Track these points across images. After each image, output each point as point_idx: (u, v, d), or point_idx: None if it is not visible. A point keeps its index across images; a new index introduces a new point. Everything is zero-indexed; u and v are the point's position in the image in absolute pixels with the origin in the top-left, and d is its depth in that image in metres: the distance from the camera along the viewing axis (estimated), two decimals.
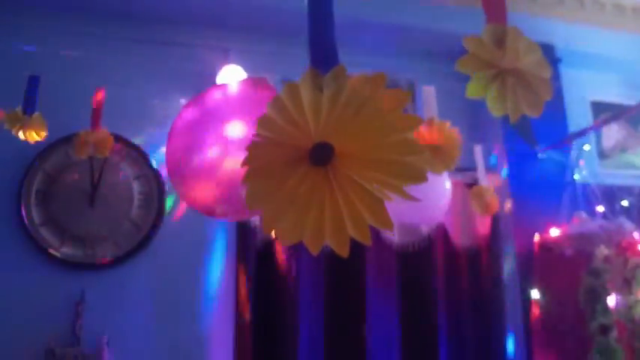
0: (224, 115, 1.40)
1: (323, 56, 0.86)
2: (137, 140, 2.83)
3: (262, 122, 0.85)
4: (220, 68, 2.90)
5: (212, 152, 1.32)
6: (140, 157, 2.79)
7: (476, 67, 0.94)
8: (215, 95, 1.49)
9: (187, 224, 2.71)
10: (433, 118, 1.81)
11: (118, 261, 2.67)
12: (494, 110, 0.93)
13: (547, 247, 3.01)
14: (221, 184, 1.28)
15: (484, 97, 0.94)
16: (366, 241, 0.76)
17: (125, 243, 2.69)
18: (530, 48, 1.01)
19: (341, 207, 0.76)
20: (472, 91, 0.94)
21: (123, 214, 2.70)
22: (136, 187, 2.76)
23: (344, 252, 0.77)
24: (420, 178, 0.75)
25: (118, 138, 2.68)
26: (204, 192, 1.34)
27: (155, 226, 2.73)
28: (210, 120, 1.40)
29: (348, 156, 0.78)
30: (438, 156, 1.76)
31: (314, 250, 0.80)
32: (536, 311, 3.00)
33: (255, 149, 0.84)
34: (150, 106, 2.73)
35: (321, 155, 0.78)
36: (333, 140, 0.78)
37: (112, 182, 2.71)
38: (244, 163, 0.84)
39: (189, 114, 1.47)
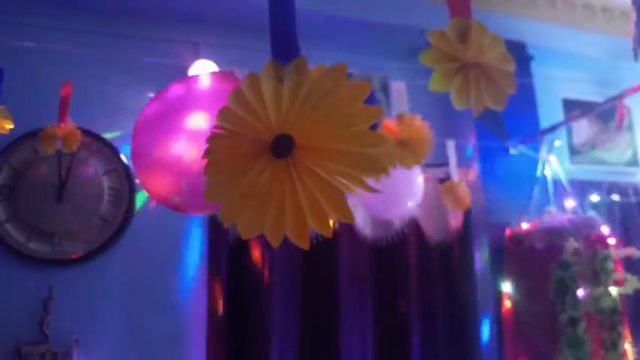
0: (189, 107, 1.38)
1: (284, 48, 0.85)
2: (107, 135, 2.79)
3: (223, 114, 0.84)
4: (191, 62, 2.87)
5: (176, 144, 1.30)
6: (110, 151, 2.74)
7: (439, 60, 0.94)
8: (181, 88, 1.47)
9: (158, 219, 2.68)
10: (403, 113, 1.82)
11: (88, 257, 2.63)
12: (457, 103, 0.94)
13: (518, 240, 3.05)
14: (184, 176, 1.27)
15: (447, 91, 0.94)
16: (327, 232, 0.75)
17: (95, 239, 2.64)
18: (494, 42, 1.01)
19: (301, 199, 0.76)
20: (435, 84, 0.94)
21: (92, 209, 2.66)
22: (105, 182, 2.72)
23: (304, 244, 0.76)
24: (380, 169, 0.75)
25: (87, 133, 2.65)
26: (167, 184, 1.33)
27: (125, 222, 2.69)
28: (175, 112, 1.38)
29: (308, 148, 0.77)
30: (408, 150, 1.77)
31: (274, 243, 0.79)
32: (507, 304, 3.04)
33: (215, 141, 0.83)
34: (120, 101, 2.68)
35: (282, 147, 0.77)
36: (293, 132, 0.78)
37: (81, 177, 2.66)
38: (205, 155, 0.83)
39: (156, 106, 1.45)
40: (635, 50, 1.31)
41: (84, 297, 2.59)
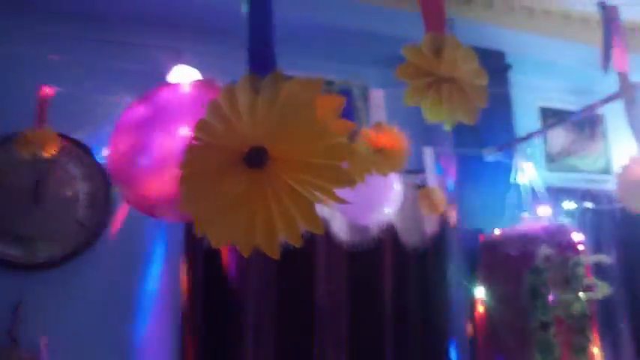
0: (169, 115, 1.39)
1: (261, 61, 0.87)
2: (84, 139, 2.76)
3: (200, 126, 0.85)
4: (172, 68, 2.85)
5: (155, 152, 1.31)
6: (87, 156, 2.72)
7: (414, 75, 0.97)
8: (161, 95, 1.47)
9: (134, 224, 2.66)
10: (381, 122, 1.84)
11: (62, 261, 2.60)
12: (429, 117, 0.96)
13: (492, 246, 3.10)
14: (164, 185, 1.27)
15: (420, 104, 0.97)
16: (297, 242, 0.77)
17: (70, 243, 2.62)
18: (467, 57, 1.04)
19: (273, 209, 0.77)
20: (409, 98, 0.96)
21: (68, 213, 2.63)
22: (82, 186, 2.69)
23: (274, 253, 0.78)
24: (349, 182, 0.77)
25: (64, 137, 2.62)
26: (146, 192, 1.33)
27: (101, 226, 2.67)
28: (155, 120, 1.39)
29: (282, 159, 0.79)
30: (385, 158, 1.79)
31: (245, 252, 0.80)
32: (480, 309, 3.09)
33: (191, 153, 0.84)
34: (98, 106, 2.65)
35: (256, 158, 0.79)
36: (267, 144, 0.79)
37: (58, 181, 2.64)
38: (181, 166, 0.84)
39: (134, 112, 1.45)
40: (604, 66, 1.35)
41: (56, 302, 2.56)
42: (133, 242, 2.73)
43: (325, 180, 0.78)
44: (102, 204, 2.69)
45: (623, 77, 1.91)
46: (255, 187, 0.79)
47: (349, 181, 0.78)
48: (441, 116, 0.96)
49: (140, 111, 1.43)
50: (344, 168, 0.77)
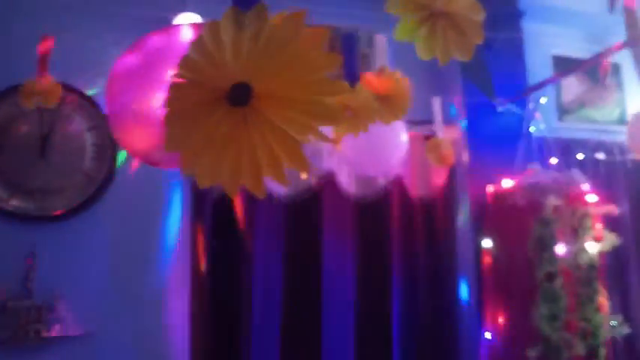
0: (166, 59, 1.36)
1: None
2: (91, 91, 2.75)
3: (184, 63, 0.83)
4: (176, 15, 2.80)
5: (151, 97, 1.29)
6: (93, 107, 2.71)
7: (406, 8, 0.93)
8: (158, 40, 1.45)
9: (142, 176, 2.67)
10: (384, 68, 1.79)
11: (71, 213, 2.63)
12: (423, 53, 0.93)
13: (500, 197, 3.08)
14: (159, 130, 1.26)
15: (413, 41, 0.93)
16: (283, 182, 0.76)
17: (78, 195, 2.64)
18: None
19: (258, 148, 0.76)
20: (400, 33, 0.93)
21: (75, 165, 2.65)
22: (88, 138, 2.70)
23: (260, 193, 0.77)
24: (335, 119, 0.75)
25: (69, 88, 2.62)
26: (143, 138, 1.32)
27: (108, 178, 2.69)
28: (151, 64, 1.37)
29: (266, 96, 0.77)
30: (388, 106, 1.75)
31: (231, 192, 0.79)
32: (487, 259, 3.09)
33: (175, 91, 0.82)
34: (103, 54, 2.63)
35: (240, 96, 0.77)
36: (252, 80, 0.77)
37: (64, 133, 2.65)
38: (165, 104, 0.82)
39: (132, 58, 1.43)
40: (610, 4, 1.30)
41: (67, 253, 2.61)
42: (144, 194, 2.75)
43: (310, 116, 0.76)
44: (109, 155, 2.70)
45: (629, 13, 1.83)
46: (240, 125, 0.77)
47: (334, 118, 0.76)
48: (434, 52, 0.92)
49: (132, 59, 1.41)
50: (329, 104, 0.75)
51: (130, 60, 1.43)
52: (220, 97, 0.78)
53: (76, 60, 2.64)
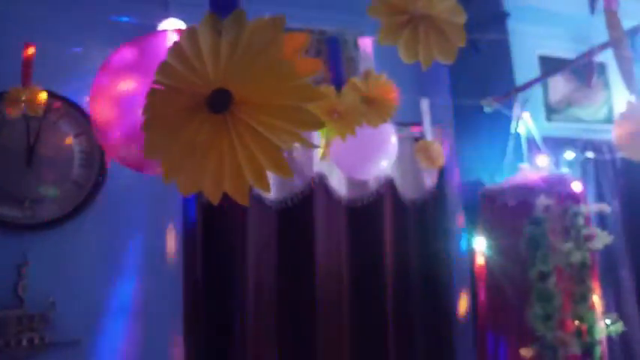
0: (150, 64, 1.35)
1: (222, 1, 0.83)
2: (76, 97, 2.73)
3: (162, 69, 0.82)
4: (160, 21, 2.79)
5: (134, 100, 1.28)
6: (79, 114, 2.69)
7: (387, 12, 0.93)
8: (140, 46, 1.44)
9: (131, 181, 2.66)
10: (369, 71, 1.79)
11: (61, 221, 2.61)
12: (405, 56, 0.92)
13: (491, 197, 3.08)
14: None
15: (396, 44, 0.93)
16: (265, 188, 0.75)
17: (67, 203, 2.62)
18: None
19: (239, 155, 0.75)
20: (383, 37, 0.92)
21: (63, 173, 2.63)
22: (76, 145, 2.68)
23: (243, 200, 0.76)
24: (316, 125, 0.75)
25: (54, 95, 2.60)
26: (126, 145, 1.31)
27: (98, 185, 2.67)
28: (137, 67, 1.36)
29: (246, 102, 0.76)
30: (374, 109, 1.75)
31: (213, 199, 0.79)
32: (480, 260, 3.09)
33: (154, 97, 0.81)
34: (88, 62, 2.62)
35: (220, 102, 0.76)
36: (231, 86, 0.77)
37: (51, 141, 2.62)
38: (143, 111, 0.81)
39: (116, 60, 1.42)
40: (591, 6, 1.30)
41: (59, 260, 2.59)
42: (134, 199, 2.73)
43: (291, 122, 0.76)
44: (97, 162, 2.68)
45: (610, 15, 1.84)
46: (220, 132, 0.77)
47: (316, 124, 0.75)
48: (417, 56, 0.92)
49: (120, 59, 1.40)
50: (310, 110, 0.75)
51: (116, 64, 1.42)
52: (200, 103, 0.77)
53: (61, 67, 2.63)
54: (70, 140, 2.67)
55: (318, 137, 2.55)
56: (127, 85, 1.34)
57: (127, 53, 1.44)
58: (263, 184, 0.75)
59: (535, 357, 2.71)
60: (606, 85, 4.12)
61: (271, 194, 2.84)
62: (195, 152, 0.77)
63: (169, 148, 0.78)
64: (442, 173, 3.24)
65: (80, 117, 2.69)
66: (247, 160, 0.75)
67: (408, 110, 2.94)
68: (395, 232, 3.16)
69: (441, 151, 2.91)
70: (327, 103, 1.63)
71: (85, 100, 2.70)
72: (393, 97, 1.76)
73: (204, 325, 2.66)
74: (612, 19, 1.84)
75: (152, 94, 0.81)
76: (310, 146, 0.76)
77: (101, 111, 1.44)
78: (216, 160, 0.76)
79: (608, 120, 4.04)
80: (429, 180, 3.26)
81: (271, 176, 2.74)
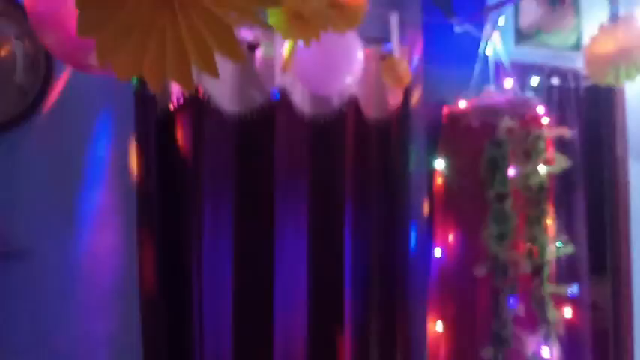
0: None
1: None
2: None
3: None
4: None
5: None
6: (21, 13, 2.47)
7: None
8: None
9: (79, 88, 2.50)
10: None
11: (4, 128, 2.45)
12: None
13: (455, 118, 3.06)
14: None
15: None
16: (213, 73, 0.67)
17: (10, 109, 2.45)
18: None
19: (185, 35, 0.66)
20: None
21: (6, 78, 2.44)
22: (19, 47, 2.48)
23: (188, 85, 0.68)
24: (275, 2, 0.66)
25: None
26: (67, 38, 1.19)
27: (44, 92, 2.50)
28: None
29: None
30: (341, 13, 1.65)
31: (155, 86, 0.70)
32: (439, 181, 3.11)
33: None
34: None
35: None
36: None
37: None
38: None
39: None
40: None
41: (3, 169, 2.45)
42: (82, 109, 2.58)
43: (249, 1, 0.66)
44: (44, 67, 2.49)
45: None
46: (163, 8, 0.67)
47: (275, 2, 0.67)
48: None
49: None
50: None
51: None
52: None
53: None
54: (10, 41, 2.46)
55: (282, 47, 2.44)
56: None
57: None
58: (211, 69, 0.67)
59: (488, 275, 2.80)
60: (577, 11, 4.05)
61: (229, 106, 2.74)
62: (134, 31, 0.67)
63: (105, 25, 0.68)
64: (407, 93, 3.17)
65: (22, 16, 2.47)
66: (194, 41, 0.66)
67: (376, 25, 2.82)
68: (357, 150, 3.12)
69: (407, 69, 2.84)
70: (291, 5, 1.52)
71: None
72: (362, 3, 1.66)
73: (158, 239, 2.60)
74: None
75: None
76: (265, 27, 0.68)
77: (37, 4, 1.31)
78: (157, 40, 0.67)
79: (577, 47, 4.01)
80: (394, 99, 3.19)
81: (229, 86, 2.60)
